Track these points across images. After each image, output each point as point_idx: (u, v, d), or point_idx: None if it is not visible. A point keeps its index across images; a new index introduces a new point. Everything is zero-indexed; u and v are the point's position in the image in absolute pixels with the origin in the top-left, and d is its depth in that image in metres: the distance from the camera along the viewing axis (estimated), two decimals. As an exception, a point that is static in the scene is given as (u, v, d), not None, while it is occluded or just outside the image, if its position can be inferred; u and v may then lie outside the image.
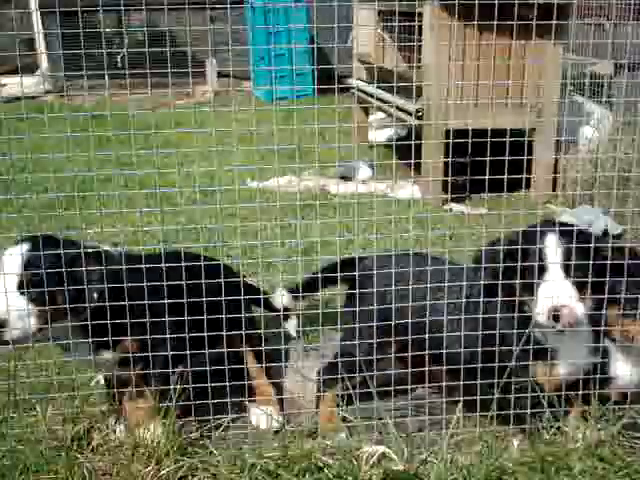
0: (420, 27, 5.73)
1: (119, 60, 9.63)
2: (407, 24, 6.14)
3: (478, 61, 5.65)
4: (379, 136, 7.80)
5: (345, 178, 6.40)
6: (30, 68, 10.60)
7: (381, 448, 2.33)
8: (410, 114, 5.80)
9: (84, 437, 2.35)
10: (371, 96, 6.95)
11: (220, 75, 10.26)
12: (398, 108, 6.11)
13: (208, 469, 2.31)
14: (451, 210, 5.68)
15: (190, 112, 8.71)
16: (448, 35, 5.53)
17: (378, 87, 6.57)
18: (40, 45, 10.94)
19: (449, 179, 5.27)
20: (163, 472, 2.27)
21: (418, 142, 5.55)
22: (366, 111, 7.69)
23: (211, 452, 2.35)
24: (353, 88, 7.38)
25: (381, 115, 7.81)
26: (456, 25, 5.46)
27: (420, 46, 5.85)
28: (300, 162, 5.43)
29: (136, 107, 6.74)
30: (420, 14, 5.72)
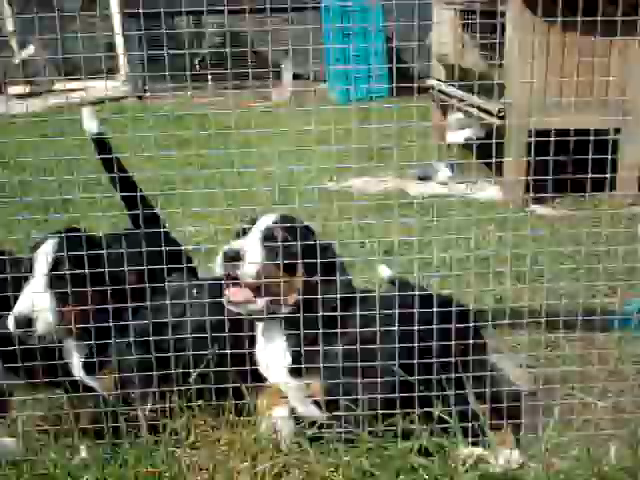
0: (502, 25, 5.66)
1: (198, 63, 9.79)
2: (488, 22, 6.08)
3: (561, 59, 5.56)
4: (457, 137, 7.73)
5: (424, 179, 6.36)
6: (111, 71, 10.85)
7: (478, 450, 2.31)
8: (491, 114, 5.73)
9: (181, 432, 2.37)
10: (450, 96, 6.89)
11: (296, 77, 10.33)
12: (479, 108, 6.04)
13: (303, 467, 2.31)
14: (533, 212, 5.60)
15: (266, 114, 8.80)
16: (531, 33, 5.45)
17: (458, 87, 6.51)
18: (120, 48, 11.17)
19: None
20: (259, 469, 2.28)
21: (499, 142, 5.47)
22: (444, 112, 7.63)
23: (306, 450, 2.35)
24: (431, 88, 7.33)
25: (459, 115, 7.74)
26: (539, 23, 5.39)
27: (501, 45, 5.77)
28: (377, 163, 5.44)
29: (214, 109, 6.82)
30: (502, 12, 5.65)
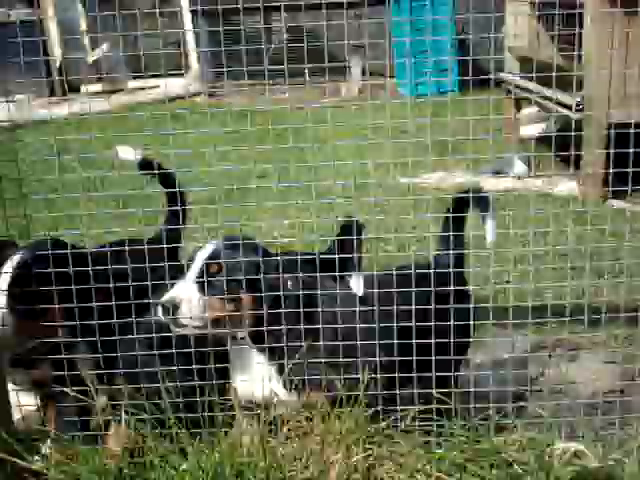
0: (580, 17, 5.57)
1: (267, 59, 9.84)
2: (564, 13, 5.98)
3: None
4: (531, 131, 7.63)
5: (498, 174, 6.30)
6: (181, 69, 10.99)
7: (575, 445, 2.28)
8: (569, 107, 5.64)
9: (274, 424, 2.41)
10: (524, 90, 6.81)
11: (364, 72, 10.31)
12: (556, 102, 5.96)
13: (396, 459, 2.33)
14: (612, 206, 5.49)
15: (335, 110, 8.81)
16: (610, 25, 5.35)
17: (534, 80, 6.42)
18: (191, 46, 11.33)
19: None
20: (352, 460, 2.30)
21: (577, 135, 5.38)
22: (517, 106, 7.53)
23: (398, 442, 2.36)
24: (503, 82, 7.25)
25: (533, 109, 7.64)
26: (618, 14, 5.28)
27: (579, 37, 5.67)
28: (451, 158, 5.38)
29: (285, 105, 6.86)
30: (580, 3, 5.55)
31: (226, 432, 2.40)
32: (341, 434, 2.34)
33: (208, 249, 2.45)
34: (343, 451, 2.32)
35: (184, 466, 2.28)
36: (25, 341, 2.51)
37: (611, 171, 4.46)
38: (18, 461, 2.37)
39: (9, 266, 2.48)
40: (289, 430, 2.41)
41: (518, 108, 7.61)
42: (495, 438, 2.32)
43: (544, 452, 2.27)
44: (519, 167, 6.32)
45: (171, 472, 2.30)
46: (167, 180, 3.14)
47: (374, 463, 2.33)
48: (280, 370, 2.45)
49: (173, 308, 2.33)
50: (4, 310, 2.43)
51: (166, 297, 2.35)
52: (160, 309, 2.34)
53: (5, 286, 2.45)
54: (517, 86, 7.01)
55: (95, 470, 2.36)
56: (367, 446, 2.34)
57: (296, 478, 2.29)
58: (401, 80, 10.27)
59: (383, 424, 2.40)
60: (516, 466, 2.25)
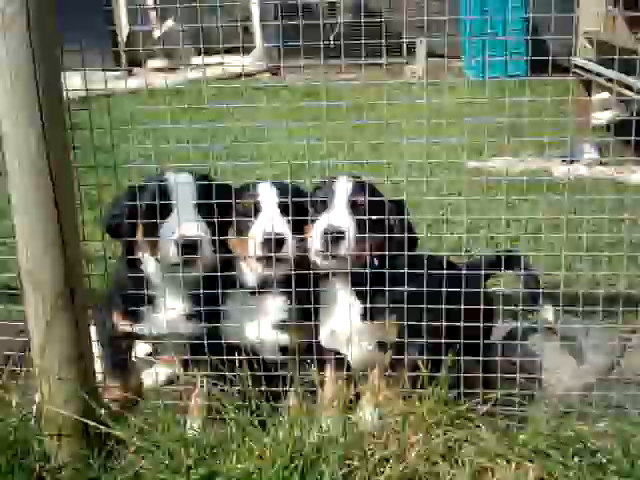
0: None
1: (332, 40, 9.80)
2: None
3: None
4: (603, 117, 7.47)
5: (569, 160, 6.18)
6: (246, 48, 11.01)
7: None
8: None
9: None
10: (596, 75, 6.66)
11: (430, 54, 10.20)
12: (629, 87, 5.82)
13: (476, 443, 2.31)
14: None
15: (399, 91, 8.72)
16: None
17: (606, 65, 6.28)
18: (256, 26, 11.33)
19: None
20: (433, 442, 2.29)
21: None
22: (589, 91, 7.38)
23: (479, 426, 2.35)
24: (575, 67, 7.10)
25: (605, 95, 7.47)
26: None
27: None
28: (520, 143, 5.29)
29: (348, 86, 6.83)
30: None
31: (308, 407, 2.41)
32: (422, 415, 2.34)
33: (348, 183, 2.48)
34: (423, 432, 2.31)
35: (265, 439, 2.29)
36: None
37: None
38: (102, 427, 2.41)
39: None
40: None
41: (590, 93, 7.45)
42: (580, 426, 2.29)
43: (629, 442, 2.23)
44: (590, 154, 6.20)
45: (251, 444, 2.32)
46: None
47: (454, 446, 2.32)
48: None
49: (332, 239, 2.35)
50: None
51: (326, 226, 2.38)
52: (319, 238, 2.37)
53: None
54: (589, 71, 6.86)
55: (175, 439, 2.39)
56: (447, 428, 2.33)
57: (375, 456, 2.29)
58: (468, 63, 10.15)
59: (465, 406, 2.39)
60: (600, 455, 2.22)
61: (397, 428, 2.33)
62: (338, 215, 2.40)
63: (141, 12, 11.49)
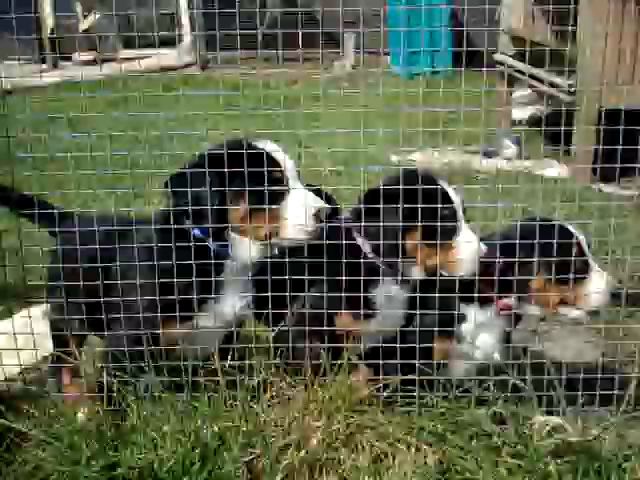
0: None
1: (260, 34, 9.77)
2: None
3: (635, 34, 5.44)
4: (523, 113, 7.63)
5: (489, 154, 6.30)
6: (173, 41, 10.90)
7: (554, 419, 2.30)
8: (561, 89, 5.64)
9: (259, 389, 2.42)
10: (517, 71, 6.79)
11: (358, 50, 10.26)
12: (548, 83, 5.95)
13: (377, 428, 2.34)
14: (600, 190, 5.51)
15: (329, 86, 8.77)
16: (606, 7, 5.35)
17: (527, 62, 6.41)
18: (184, 19, 11.23)
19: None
20: (334, 428, 2.31)
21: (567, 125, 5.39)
22: (510, 87, 7.52)
23: (381, 412, 2.38)
24: (498, 63, 7.23)
25: (525, 92, 7.63)
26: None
27: (575, 19, 5.66)
28: (442, 138, 5.37)
29: (275, 81, 6.84)
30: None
31: (209, 396, 2.40)
32: (323, 402, 2.36)
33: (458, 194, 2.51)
34: (325, 419, 2.33)
35: (165, 428, 2.28)
36: None
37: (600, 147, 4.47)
38: (2, 421, 2.37)
39: None
40: (272, 397, 2.42)
41: (511, 91, 7.60)
42: (475, 410, 2.34)
43: (523, 425, 2.29)
44: (509, 148, 6.33)
45: (152, 434, 2.31)
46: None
47: (355, 432, 2.34)
48: None
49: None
50: None
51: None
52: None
53: None
54: (511, 67, 6.99)
55: (77, 431, 2.36)
56: (348, 414, 2.36)
57: (277, 444, 2.30)
58: (395, 58, 10.23)
59: (365, 393, 2.42)
60: (496, 438, 2.27)
61: (298, 415, 2.34)
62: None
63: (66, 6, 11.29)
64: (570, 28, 5.45)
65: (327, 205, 2.40)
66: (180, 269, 2.36)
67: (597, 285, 2.48)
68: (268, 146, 2.43)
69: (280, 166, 2.40)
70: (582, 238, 2.52)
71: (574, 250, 2.48)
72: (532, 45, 6.24)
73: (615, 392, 2.43)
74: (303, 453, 2.27)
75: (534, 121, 7.40)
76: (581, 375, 2.42)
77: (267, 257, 2.49)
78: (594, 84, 5.46)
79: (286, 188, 2.40)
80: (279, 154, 2.43)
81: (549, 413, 2.36)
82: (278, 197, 2.38)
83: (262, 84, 5.88)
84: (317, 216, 2.36)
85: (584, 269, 2.49)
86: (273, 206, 2.37)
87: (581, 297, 2.49)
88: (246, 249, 2.42)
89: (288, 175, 2.41)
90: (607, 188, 5.53)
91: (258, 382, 2.39)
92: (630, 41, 5.47)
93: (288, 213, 2.38)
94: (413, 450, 2.29)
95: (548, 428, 2.26)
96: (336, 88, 8.09)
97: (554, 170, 5.78)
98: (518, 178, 5.48)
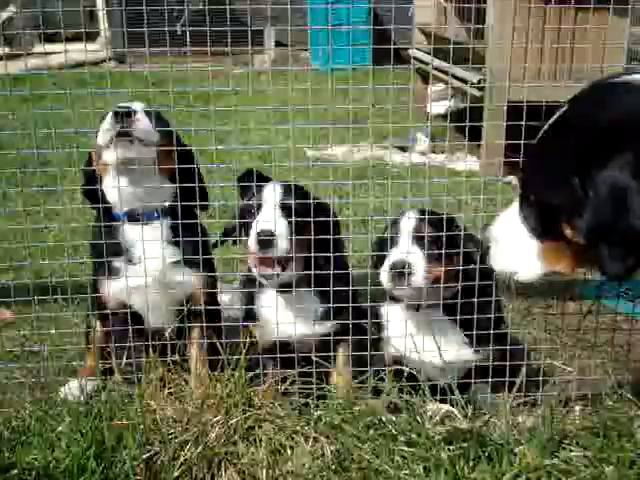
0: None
1: (179, 28, 9.67)
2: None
3: (541, 31, 5.59)
4: (437, 108, 7.75)
5: (402, 148, 6.39)
6: (90, 36, 10.71)
7: (445, 407, 2.37)
8: (471, 84, 5.76)
9: (157, 385, 2.41)
10: (431, 66, 6.90)
11: (278, 44, 10.28)
12: (459, 79, 6.07)
13: (274, 421, 2.37)
14: (510, 182, 5.64)
15: (247, 81, 8.71)
16: (512, 4, 5.46)
17: (439, 57, 6.52)
18: (100, 13, 11.05)
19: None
20: (232, 422, 2.33)
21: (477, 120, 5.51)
22: (425, 82, 7.64)
23: (279, 405, 2.41)
24: (412, 58, 7.33)
25: (440, 87, 7.75)
26: (520, -5, 5.40)
27: (483, 15, 5.79)
28: (357, 132, 5.41)
29: (195, 76, 6.76)
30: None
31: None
32: (221, 397, 2.37)
33: (412, 218, 2.53)
34: (222, 413, 2.35)
35: (60, 428, 2.27)
36: None
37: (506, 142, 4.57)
38: None
39: None
40: (169, 393, 2.42)
41: (426, 84, 7.72)
42: (371, 400, 2.39)
43: (417, 413, 2.34)
44: (422, 142, 6.43)
45: (49, 435, 2.29)
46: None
47: (253, 425, 2.37)
48: None
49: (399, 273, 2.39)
50: None
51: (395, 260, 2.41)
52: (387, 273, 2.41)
53: None
54: (424, 62, 7.11)
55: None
56: (246, 408, 2.38)
57: (176, 440, 2.31)
58: (314, 53, 10.27)
59: (263, 387, 2.45)
60: (390, 426, 2.32)
61: (196, 411, 2.35)
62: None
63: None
64: (476, 25, 5.60)
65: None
66: None
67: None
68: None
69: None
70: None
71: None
72: (443, 42, 6.36)
73: (507, 379, 2.51)
74: (201, 448, 2.29)
75: (450, 115, 7.52)
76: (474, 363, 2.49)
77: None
78: (501, 79, 5.58)
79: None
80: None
81: (442, 401, 2.43)
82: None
83: (180, 79, 5.84)
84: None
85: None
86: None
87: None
88: None
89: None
90: (516, 181, 5.66)
91: (156, 378, 2.39)
92: (535, 38, 5.61)
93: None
94: (310, 441, 2.33)
95: (440, 415, 2.32)
96: (255, 83, 8.07)
97: (466, 164, 5.89)
98: (429, 171, 5.57)
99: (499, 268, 2.13)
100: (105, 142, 2.46)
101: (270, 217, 2.43)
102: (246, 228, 2.49)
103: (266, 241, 2.39)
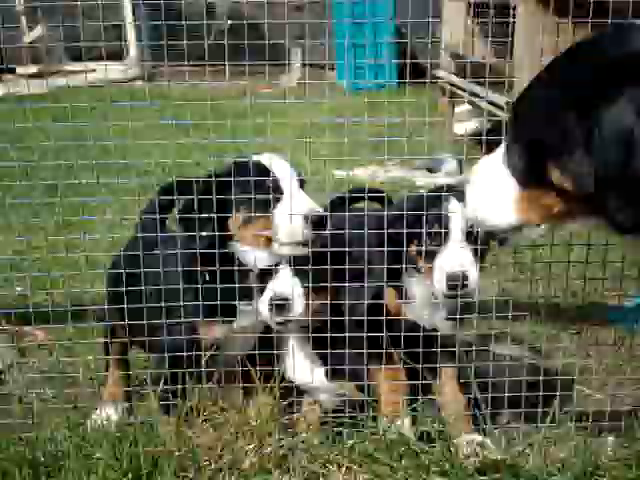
0: (513, 19, 5.68)
1: (206, 48, 9.75)
2: (499, 16, 6.09)
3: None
4: (464, 129, 7.76)
5: (430, 170, 6.40)
6: (118, 55, 10.84)
7: (479, 437, 2.37)
8: (500, 107, 5.76)
9: (193, 412, 2.43)
10: (459, 88, 6.92)
11: (305, 65, 10.32)
12: (488, 101, 6.07)
13: (308, 449, 2.38)
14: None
15: (274, 101, 8.77)
16: (540, 29, 5.47)
17: (467, 79, 6.53)
18: (129, 32, 11.18)
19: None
20: (266, 450, 2.35)
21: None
22: (453, 104, 7.66)
23: (310, 434, 2.43)
24: (440, 80, 7.36)
25: (467, 108, 7.76)
26: (549, 19, 5.40)
27: (512, 39, 5.79)
28: (385, 153, 5.42)
29: (222, 95, 6.81)
30: (514, 7, 5.68)
31: (142, 422, 2.42)
32: (255, 425, 2.39)
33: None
34: (257, 441, 2.37)
35: (98, 454, 2.29)
36: None
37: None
38: None
39: None
40: (205, 421, 2.44)
41: (453, 106, 7.74)
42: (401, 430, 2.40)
43: (450, 443, 2.35)
44: (450, 164, 6.44)
45: (85, 461, 2.31)
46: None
47: (287, 453, 2.38)
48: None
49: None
50: None
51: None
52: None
53: None
54: (452, 84, 7.13)
55: (11, 458, 2.36)
56: (280, 436, 2.40)
57: (210, 467, 2.33)
58: (340, 75, 10.33)
59: (297, 415, 2.47)
60: (423, 456, 2.33)
61: (231, 439, 2.37)
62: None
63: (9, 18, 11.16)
64: (507, 50, 5.60)
65: (317, 208, 2.41)
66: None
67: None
68: (264, 158, 2.50)
69: (271, 175, 2.45)
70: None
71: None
72: (471, 63, 6.38)
73: (539, 410, 2.51)
74: (235, 476, 2.31)
75: (476, 137, 7.53)
76: (505, 393, 2.49)
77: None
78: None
79: (278, 196, 2.43)
80: (276, 164, 2.48)
81: (475, 431, 2.44)
82: (270, 205, 2.42)
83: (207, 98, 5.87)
84: (306, 220, 2.36)
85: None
86: (264, 214, 2.41)
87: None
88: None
89: (282, 184, 2.44)
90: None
91: (190, 406, 2.41)
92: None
93: (277, 219, 2.40)
94: (343, 470, 2.34)
95: (473, 446, 2.33)
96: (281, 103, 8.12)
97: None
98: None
99: (471, 213, 1.95)
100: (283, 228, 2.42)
101: (287, 280, 2.42)
102: None
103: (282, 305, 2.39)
